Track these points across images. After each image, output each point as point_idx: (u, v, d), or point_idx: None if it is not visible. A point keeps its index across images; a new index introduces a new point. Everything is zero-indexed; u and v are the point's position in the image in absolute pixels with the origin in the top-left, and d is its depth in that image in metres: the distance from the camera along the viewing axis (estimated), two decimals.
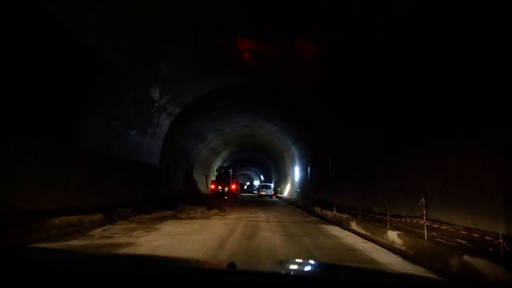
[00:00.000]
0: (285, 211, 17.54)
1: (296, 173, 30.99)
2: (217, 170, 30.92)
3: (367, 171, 14.08)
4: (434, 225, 7.68)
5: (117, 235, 8.10)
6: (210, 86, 19.73)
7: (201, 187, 31.67)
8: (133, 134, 16.41)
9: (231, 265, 1.51)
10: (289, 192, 33.88)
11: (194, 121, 24.06)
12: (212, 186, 29.07)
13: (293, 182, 32.92)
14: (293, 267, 2.17)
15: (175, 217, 12.58)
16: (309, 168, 24.98)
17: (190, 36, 13.47)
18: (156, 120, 18.48)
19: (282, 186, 38.83)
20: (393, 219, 9.72)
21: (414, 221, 8.66)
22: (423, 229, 8.02)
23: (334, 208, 13.55)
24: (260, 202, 25.79)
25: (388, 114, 12.06)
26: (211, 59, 16.13)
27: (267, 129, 30.73)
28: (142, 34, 12.31)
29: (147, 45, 13.13)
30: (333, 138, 18.61)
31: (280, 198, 34.73)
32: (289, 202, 25.77)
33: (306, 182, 26.25)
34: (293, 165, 32.66)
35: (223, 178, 29.28)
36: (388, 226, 8.59)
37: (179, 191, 24.29)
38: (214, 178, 29.98)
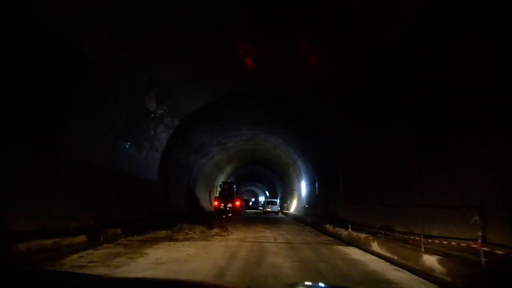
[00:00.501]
0: (293, 229, 15.94)
1: (303, 188, 29.38)
2: (220, 186, 29.39)
3: (384, 183, 12.54)
4: (484, 249, 6.13)
5: (92, 264, 6.60)
6: (210, 95, 18.44)
7: (204, 204, 30.09)
8: (127, 146, 15.00)
9: None
10: (296, 208, 32.21)
11: (194, 134, 22.68)
12: (215, 203, 27.49)
13: (299, 197, 31.27)
14: None
15: (170, 238, 11.05)
16: (316, 182, 23.41)
17: (188, 37, 12.20)
18: (152, 132, 17.10)
19: (288, 202, 37.13)
20: (421, 239, 8.19)
21: (453, 243, 7.10)
22: (468, 253, 6.47)
23: (349, 226, 11.95)
24: (265, 220, 24.16)
25: (408, 117, 10.59)
26: (210, 64, 14.83)
27: (272, 142, 29.30)
28: (135, 34, 11.04)
29: (141, 46, 11.85)
30: (344, 148, 17.12)
31: (286, 214, 33.03)
32: (296, 219, 24.12)
33: (313, 197, 24.64)
34: (299, 180, 31.08)
35: (226, 194, 27.73)
36: (423, 249, 7.03)
37: (180, 208, 22.74)
38: (217, 194, 28.42)
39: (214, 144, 27.20)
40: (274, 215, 32.56)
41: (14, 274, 1.72)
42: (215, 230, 12.61)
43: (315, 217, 19.92)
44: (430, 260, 6.33)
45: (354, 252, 8.66)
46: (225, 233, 12.40)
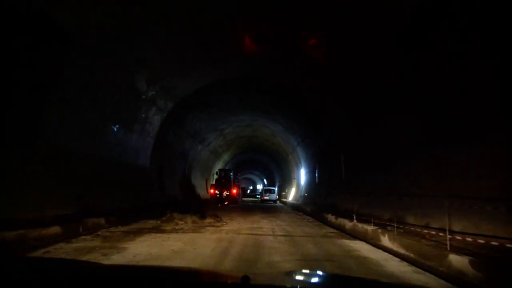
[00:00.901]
0: (293, 219, 14.87)
1: (302, 176, 28.31)
2: (216, 173, 28.24)
3: (393, 172, 11.42)
4: None
5: None
6: (207, 78, 17.18)
7: (201, 192, 29.02)
8: (115, 129, 13.82)
9: (245, 278, 1.40)
10: (294, 196, 31.19)
11: (190, 119, 21.47)
12: (211, 191, 26.37)
13: (298, 186, 30.23)
14: (309, 279, 2.08)
15: (157, 229, 9.94)
16: (317, 170, 22.30)
17: (182, 15, 10.93)
18: (144, 115, 15.89)
19: (287, 190, 36.11)
20: (440, 234, 7.10)
21: (481, 240, 6.00)
22: (502, 254, 5.38)
23: (354, 217, 10.86)
24: (263, 208, 23.11)
25: (424, 96, 9.42)
26: (207, 44, 13.58)
27: (271, 128, 28.12)
28: (121, 8, 9.77)
29: (128, 23, 10.59)
30: (348, 135, 15.97)
31: (284, 203, 32.02)
32: (295, 208, 23.07)
33: (313, 186, 23.57)
34: (298, 168, 29.99)
35: (223, 182, 26.59)
36: (448, 247, 5.92)
37: (175, 196, 21.65)
38: (213, 182, 27.30)
39: (211, 130, 26.01)
40: (272, 204, 31.54)
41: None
42: (208, 220, 11.51)
43: (315, 207, 18.87)
44: (459, 261, 5.24)
45: (363, 248, 7.55)
46: (219, 224, 11.30)
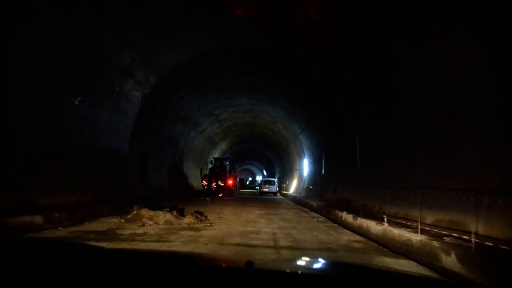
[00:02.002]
0: (298, 217, 11.86)
1: (305, 166, 25.24)
2: (211, 162, 25.11)
3: (432, 157, 8.35)
4: None
5: None
6: (195, 48, 14.06)
7: (194, 183, 25.97)
8: (77, 103, 10.72)
9: (249, 263, 1.38)
10: (296, 188, 28.16)
11: (179, 98, 18.33)
12: (204, 182, 23.26)
13: (300, 177, 27.17)
14: (313, 265, 2.08)
15: (110, 233, 6.93)
16: (323, 159, 19.22)
17: None
18: (118, 89, 12.78)
19: (288, 182, 33.05)
20: None
21: None
22: None
23: (385, 218, 7.83)
24: (262, 202, 20.08)
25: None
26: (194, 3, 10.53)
27: (271, 114, 24.99)
28: None
29: None
30: (364, 112, 12.86)
31: (285, 195, 28.98)
32: (298, 202, 20.04)
33: (318, 177, 20.50)
34: (300, 158, 26.92)
35: (217, 171, 23.49)
36: None
37: (161, 187, 18.62)
38: (207, 172, 24.17)
39: (205, 114, 22.88)
40: (272, 196, 28.50)
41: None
42: (188, 220, 8.40)
43: (322, 201, 15.83)
44: None
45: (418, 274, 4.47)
46: (201, 226, 8.23)
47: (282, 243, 6.55)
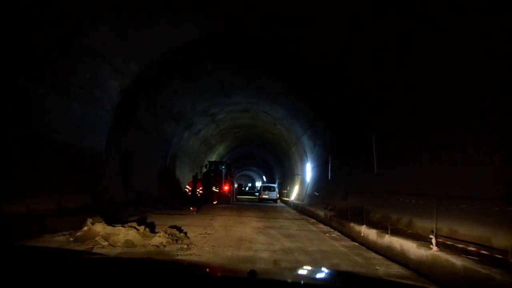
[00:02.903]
0: (305, 232, 9.54)
1: (308, 171, 22.93)
2: (205, 166, 22.74)
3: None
4: None
5: None
6: (188, 31, 11.81)
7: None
8: (28, 87, 8.45)
9: (252, 273, 1.36)
10: (298, 195, 25.80)
11: (170, 94, 16.08)
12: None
13: (302, 183, 24.83)
14: (316, 275, 2.02)
15: None
16: (329, 162, 16.92)
17: None
18: (89, 76, 10.51)
19: (288, 188, 30.68)
20: None
21: None
22: None
23: (433, 238, 5.53)
24: (261, 210, 17.73)
25: None
26: None
27: (271, 115, 22.73)
28: None
29: None
30: (381, 108, 10.57)
31: (286, 203, 26.60)
32: (301, 211, 17.69)
33: (323, 183, 18.18)
34: (303, 162, 24.61)
35: (212, 176, 21.12)
36: None
37: (148, 193, 16.27)
38: (201, 176, 21.78)
39: (199, 113, 20.60)
40: (272, 204, 26.09)
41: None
42: (157, 240, 6.00)
43: (330, 210, 13.50)
44: None
45: None
46: (174, 247, 5.87)
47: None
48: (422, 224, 7.42)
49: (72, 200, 9.90)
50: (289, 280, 1.67)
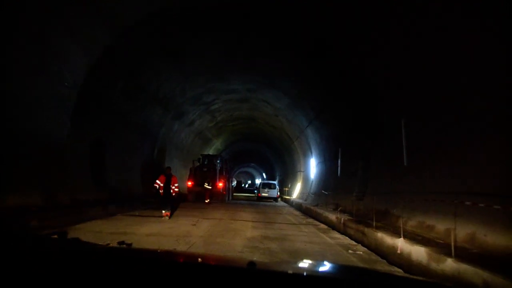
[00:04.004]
0: (319, 246, 6.92)
1: (312, 167, 20.37)
2: (198, 160, 20.12)
3: None
4: None
5: None
6: None
7: (179, 185, 21.06)
8: None
9: (251, 264, 1.32)
10: (300, 193, 23.24)
11: (153, 74, 13.50)
12: (189, 183, 18.30)
13: (306, 180, 22.27)
14: (317, 268, 1.96)
15: None
16: (339, 156, 14.35)
17: None
18: (39, 38, 7.94)
19: (290, 186, 28.09)
20: None
21: None
22: None
23: None
24: (259, 211, 15.18)
25: None
26: None
27: (273, 105, 20.13)
28: None
29: None
30: (415, 89, 7.96)
31: (287, 201, 24.02)
32: (305, 211, 15.13)
33: (331, 180, 15.62)
34: (306, 157, 22.06)
35: (205, 171, 18.51)
36: None
37: (128, 190, 13.73)
38: (193, 171, 19.12)
39: (191, 101, 18.02)
40: (272, 203, 23.48)
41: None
42: None
43: (341, 212, 10.95)
44: None
45: None
46: None
47: None
48: (497, 241, 4.89)
49: (11, 198, 7.41)
50: (290, 272, 1.58)
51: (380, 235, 6.72)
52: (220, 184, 18.03)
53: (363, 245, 7.22)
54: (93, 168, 11.37)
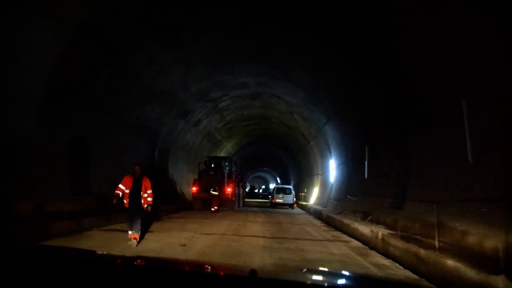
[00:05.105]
0: None
1: (331, 169, 18.04)
2: (205, 163, 17.91)
3: None
4: None
5: None
6: None
7: (186, 191, 19.03)
8: None
9: (252, 272, 1.31)
10: (318, 199, 20.89)
11: (147, 63, 11.48)
12: (193, 189, 16.08)
13: (324, 184, 19.92)
14: (317, 277, 1.86)
15: None
16: (366, 156, 12.02)
17: None
18: None
19: (306, 191, 25.68)
20: None
21: None
22: None
23: None
24: (273, 221, 12.92)
25: None
26: None
27: (287, 101, 17.95)
28: None
29: None
30: None
31: (304, 208, 21.66)
32: (327, 221, 12.82)
33: (357, 184, 13.30)
34: (324, 158, 19.76)
35: (211, 175, 16.30)
36: None
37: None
38: (198, 175, 16.90)
39: (196, 97, 15.98)
40: (287, 210, 21.14)
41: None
42: None
43: (373, 223, 8.65)
44: None
45: None
46: None
47: None
48: None
49: None
50: (291, 279, 1.58)
51: (453, 264, 4.43)
52: (229, 190, 15.82)
53: (422, 275, 4.93)
54: (72, 172, 9.35)
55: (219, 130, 22.84)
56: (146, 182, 6.89)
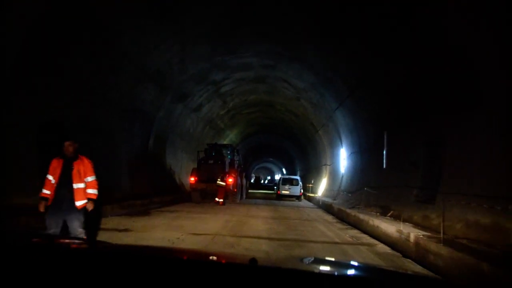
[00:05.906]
0: None
1: (342, 159, 16.54)
2: (205, 151, 16.43)
3: None
4: None
5: None
6: None
7: (186, 181, 17.61)
8: None
9: (253, 261, 1.25)
10: (327, 190, 19.44)
11: (137, 34, 9.95)
12: (192, 179, 14.62)
13: (334, 175, 18.43)
14: (317, 265, 1.83)
15: None
16: (385, 144, 10.47)
17: None
18: None
19: (313, 182, 24.18)
20: None
21: None
22: None
23: None
24: (279, 216, 11.51)
25: None
26: None
27: (294, 85, 16.39)
28: None
29: None
30: None
31: (311, 200, 20.19)
32: (339, 215, 11.36)
33: (373, 174, 11.82)
34: (334, 147, 18.26)
35: (211, 164, 14.76)
36: None
37: (108, 189, 10.25)
38: (197, 164, 15.46)
39: (195, 79, 14.48)
40: (295, 202, 19.66)
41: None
42: None
43: (397, 220, 7.18)
44: None
45: None
46: None
47: None
48: None
49: None
50: (291, 267, 1.56)
51: None
52: (230, 180, 14.35)
53: None
54: (42, 162, 7.92)
55: (221, 117, 21.35)
56: (85, 165, 4.27)
